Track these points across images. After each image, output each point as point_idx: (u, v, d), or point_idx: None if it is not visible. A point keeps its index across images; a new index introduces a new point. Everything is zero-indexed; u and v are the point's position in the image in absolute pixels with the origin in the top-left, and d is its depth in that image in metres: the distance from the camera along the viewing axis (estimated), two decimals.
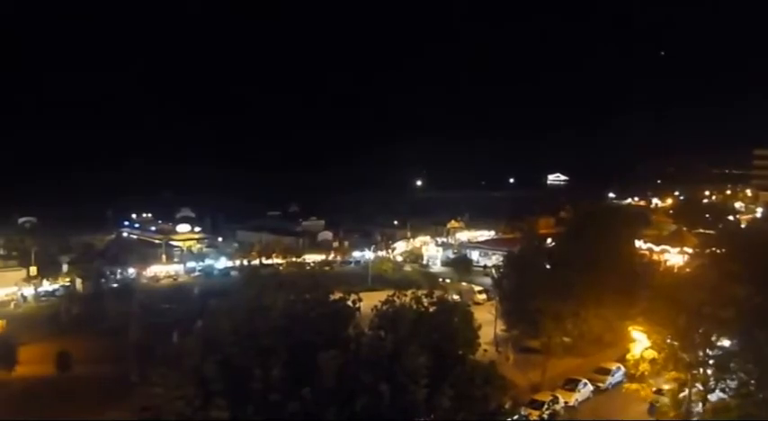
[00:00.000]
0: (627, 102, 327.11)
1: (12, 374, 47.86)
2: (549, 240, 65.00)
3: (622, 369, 46.20)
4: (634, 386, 40.42)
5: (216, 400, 16.06)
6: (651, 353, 40.11)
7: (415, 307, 22.31)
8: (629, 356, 43.84)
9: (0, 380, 47.48)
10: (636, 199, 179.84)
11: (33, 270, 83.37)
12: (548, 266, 52.50)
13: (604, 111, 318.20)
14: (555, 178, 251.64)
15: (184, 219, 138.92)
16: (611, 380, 46.24)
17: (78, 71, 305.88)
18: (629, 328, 45.89)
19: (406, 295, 22.79)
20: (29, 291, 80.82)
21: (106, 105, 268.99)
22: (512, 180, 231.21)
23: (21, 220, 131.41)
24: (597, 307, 47.83)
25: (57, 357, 49.39)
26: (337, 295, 21.61)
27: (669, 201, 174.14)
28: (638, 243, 78.80)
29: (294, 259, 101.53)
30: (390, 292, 23.02)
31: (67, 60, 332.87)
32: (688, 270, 58.65)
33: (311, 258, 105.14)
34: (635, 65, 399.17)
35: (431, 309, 22.47)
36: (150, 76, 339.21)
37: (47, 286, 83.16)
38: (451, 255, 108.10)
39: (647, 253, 79.26)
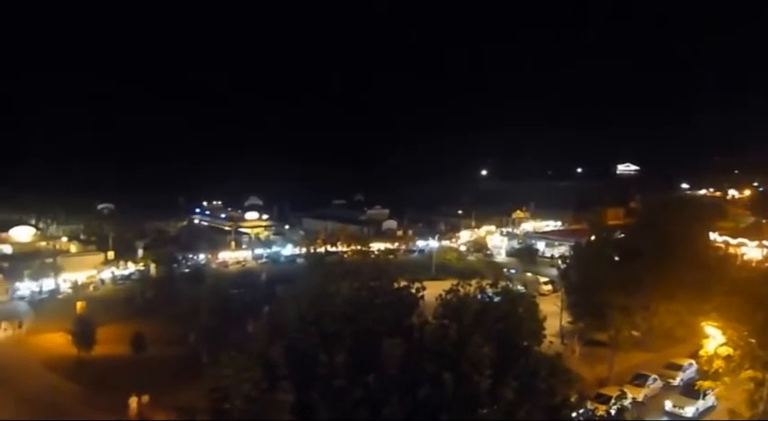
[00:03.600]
0: (704, 88, 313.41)
1: (91, 353, 50.19)
2: (617, 231, 63.20)
3: (694, 365, 44.55)
4: (707, 383, 38.95)
5: (282, 384, 16.39)
6: (726, 350, 38.51)
7: (479, 297, 22.14)
8: (701, 352, 42.19)
9: (80, 358, 49.95)
10: (711, 190, 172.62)
11: (111, 254, 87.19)
12: (616, 258, 51.10)
13: (679, 99, 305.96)
14: (625, 168, 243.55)
15: (253, 207, 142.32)
16: (682, 376, 44.70)
17: (153, 65, 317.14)
18: (703, 324, 44.20)
19: (470, 285, 22.62)
20: (106, 274, 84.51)
21: (178, 97, 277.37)
22: (580, 169, 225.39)
23: (99, 207, 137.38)
24: (668, 301, 46.13)
25: (132, 338, 51.46)
26: (401, 283, 21.63)
27: (747, 192, 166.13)
28: (713, 235, 75.77)
29: (359, 247, 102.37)
30: (454, 282, 22.88)
31: (145, 56, 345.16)
32: (767, 264, 56.02)
33: (375, 247, 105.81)
34: (711, 51, 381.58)
35: (495, 300, 22.26)
36: (220, 72, 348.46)
37: (123, 270, 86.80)
38: (516, 245, 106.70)
39: (722, 246, 76.02)
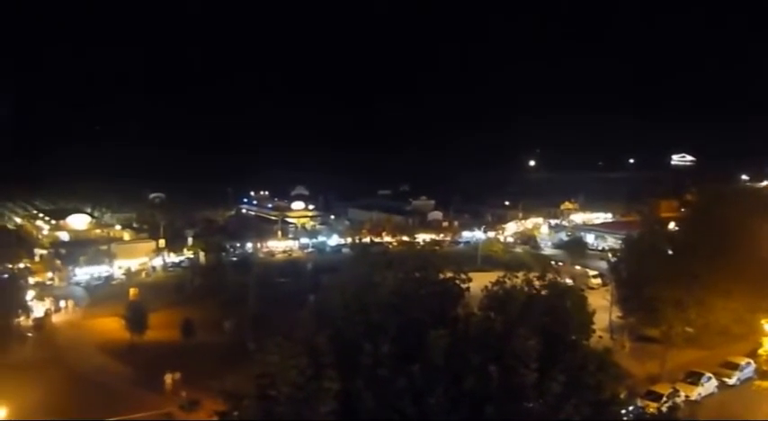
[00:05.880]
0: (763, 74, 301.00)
1: (142, 338, 51.61)
2: (671, 224, 61.47)
3: (752, 364, 42.90)
4: (765, 383, 37.56)
5: (327, 371, 16.38)
6: None
7: (525, 289, 21.70)
8: (761, 351, 40.84)
9: (133, 342, 51.42)
10: None
11: (162, 242, 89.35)
12: (670, 251, 49.65)
13: (738, 88, 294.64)
14: (680, 158, 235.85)
15: (299, 197, 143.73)
16: (739, 375, 42.93)
17: (202, 57, 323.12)
18: (762, 321, 42.72)
19: (516, 277, 22.18)
20: (158, 261, 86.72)
21: (226, 90, 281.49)
22: (632, 160, 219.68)
23: (151, 196, 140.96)
24: (725, 296, 44.54)
25: (182, 324, 52.73)
26: (447, 275, 21.37)
27: None
28: None
29: (404, 238, 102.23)
30: (500, 273, 22.50)
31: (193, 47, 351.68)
32: None
33: (421, 237, 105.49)
34: None
35: (542, 292, 21.77)
36: (268, 62, 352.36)
37: (174, 258, 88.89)
38: (565, 238, 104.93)
39: None
